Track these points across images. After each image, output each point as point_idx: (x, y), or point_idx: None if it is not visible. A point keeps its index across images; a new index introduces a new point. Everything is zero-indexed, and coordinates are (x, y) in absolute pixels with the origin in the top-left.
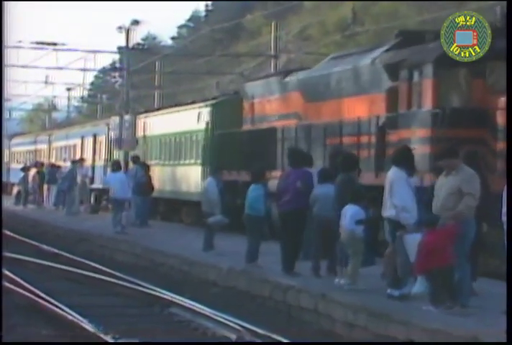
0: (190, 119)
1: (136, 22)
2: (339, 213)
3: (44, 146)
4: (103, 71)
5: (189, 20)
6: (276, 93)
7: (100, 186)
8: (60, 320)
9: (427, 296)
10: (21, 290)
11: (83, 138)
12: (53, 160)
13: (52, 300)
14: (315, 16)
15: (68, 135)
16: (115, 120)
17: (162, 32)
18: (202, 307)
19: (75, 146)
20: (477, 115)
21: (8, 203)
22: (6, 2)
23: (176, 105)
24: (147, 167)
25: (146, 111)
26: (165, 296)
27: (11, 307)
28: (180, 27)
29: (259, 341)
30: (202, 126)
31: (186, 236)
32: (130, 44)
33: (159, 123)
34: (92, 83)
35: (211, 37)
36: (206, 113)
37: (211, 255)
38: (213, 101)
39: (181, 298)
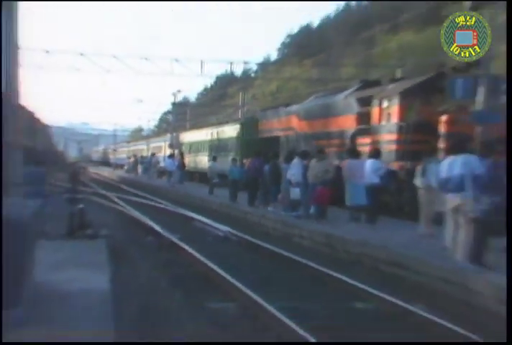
0: (230, 131)
1: (178, 91)
2: (271, 182)
3: (144, 147)
4: (165, 113)
5: (204, 90)
6: (280, 116)
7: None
8: None
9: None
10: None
11: (165, 142)
12: (149, 153)
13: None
14: (260, 88)
15: (157, 141)
16: (170, 136)
17: (191, 95)
18: (208, 220)
19: (160, 146)
20: (426, 127)
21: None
22: None
23: (219, 123)
24: (182, 156)
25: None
26: (190, 214)
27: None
28: (199, 93)
29: (235, 236)
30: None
31: (202, 189)
32: (176, 101)
33: (200, 134)
34: (160, 119)
35: (212, 97)
36: (237, 128)
37: (212, 197)
38: (242, 121)
39: (199, 216)
